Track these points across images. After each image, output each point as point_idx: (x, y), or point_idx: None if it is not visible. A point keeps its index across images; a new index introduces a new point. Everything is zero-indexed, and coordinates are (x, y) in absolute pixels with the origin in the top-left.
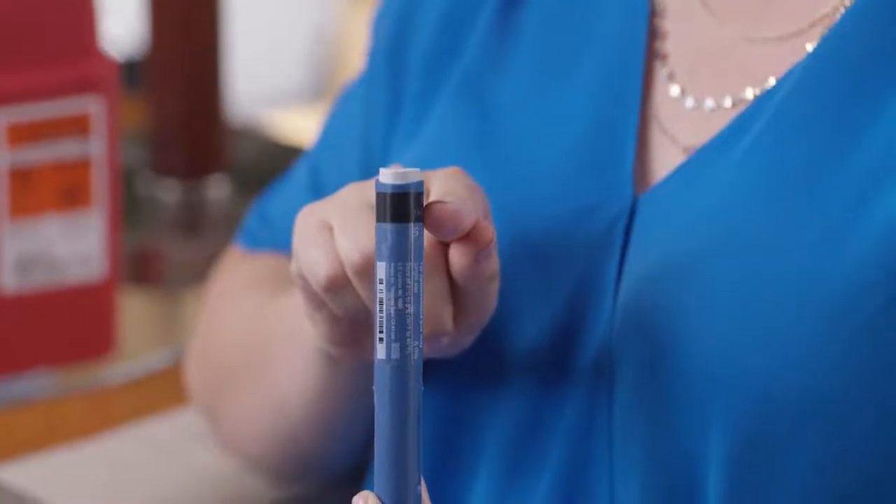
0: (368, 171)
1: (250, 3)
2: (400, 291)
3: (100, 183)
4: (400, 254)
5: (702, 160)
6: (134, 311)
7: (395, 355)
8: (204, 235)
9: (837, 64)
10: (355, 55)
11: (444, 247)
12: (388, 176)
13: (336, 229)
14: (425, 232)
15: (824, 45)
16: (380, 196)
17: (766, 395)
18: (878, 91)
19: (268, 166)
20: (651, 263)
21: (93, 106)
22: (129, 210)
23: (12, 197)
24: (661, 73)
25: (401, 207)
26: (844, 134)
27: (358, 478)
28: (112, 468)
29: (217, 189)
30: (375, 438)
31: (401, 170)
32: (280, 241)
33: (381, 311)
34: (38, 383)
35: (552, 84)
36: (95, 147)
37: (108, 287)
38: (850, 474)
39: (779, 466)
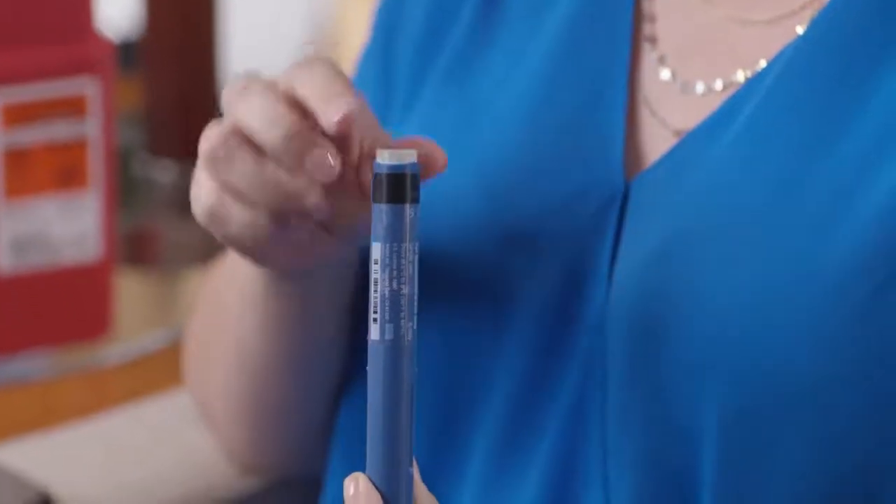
0: None
1: None
2: (395, 272)
3: (96, 164)
4: (396, 235)
5: (693, 143)
6: (130, 291)
7: (388, 336)
8: None
9: (827, 46)
10: (352, 39)
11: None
12: (385, 156)
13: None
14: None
15: (814, 27)
16: (377, 177)
17: (758, 378)
18: (869, 73)
19: None
20: (644, 247)
21: (89, 87)
22: (124, 191)
23: (8, 178)
24: (650, 56)
25: (397, 188)
26: (835, 116)
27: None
28: (108, 449)
29: None
30: (368, 419)
31: (397, 151)
32: None
33: (375, 291)
34: (34, 364)
35: (538, 69)
36: (91, 128)
37: (104, 268)
38: (842, 453)
39: (772, 445)
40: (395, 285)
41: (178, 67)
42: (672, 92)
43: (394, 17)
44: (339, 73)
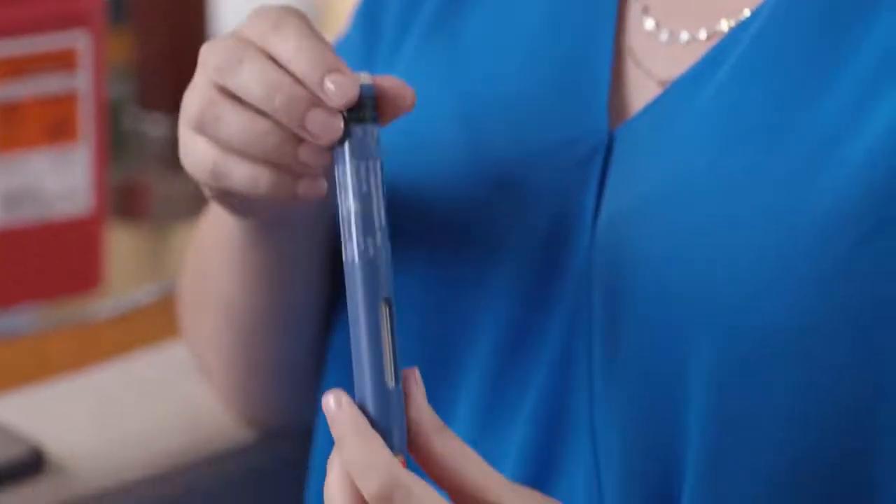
0: None
1: None
2: (360, 191)
3: (86, 117)
4: (358, 153)
5: (677, 93)
6: (120, 245)
7: (360, 254)
8: None
9: None
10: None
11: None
12: None
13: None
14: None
15: None
16: None
17: (744, 328)
18: (852, 21)
19: None
20: (629, 197)
21: (79, 40)
22: (115, 144)
23: None
24: (634, 6)
25: (361, 107)
26: (819, 65)
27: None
28: (99, 402)
29: None
30: (351, 342)
31: (356, 74)
32: None
33: (343, 210)
34: (25, 318)
35: (522, 20)
36: (82, 81)
37: (95, 221)
38: (828, 403)
39: (758, 395)
40: (361, 203)
41: (168, 20)
42: (656, 42)
43: None
44: (311, 33)
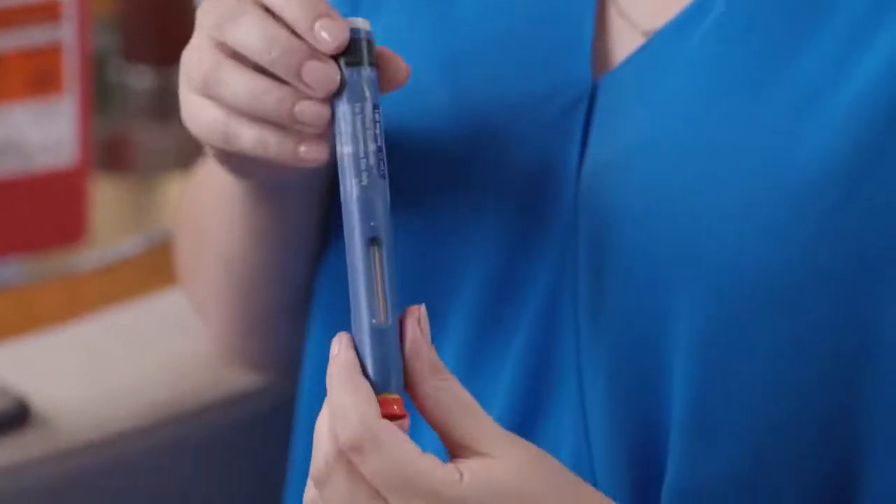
0: None
1: None
2: (358, 130)
3: (71, 69)
4: (355, 95)
5: (661, 43)
6: (105, 197)
7: (353, 193)
8: (175, 122)
9: None
10: None
11: None
12: None
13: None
14: None
15: None
16: None
17: (726, 283)
18: None
19: None
20: (612, 149)
21: None
22: (100, 97)
23: None
24: None
25: (354, 52)
26: (805, 17)
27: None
28: (84, 354)
29: None
30: (349, 280)
31: (352, 19)
32: None
33: (341, 149)
34: (10, 270)
35: None
36: (66, 33)
37: (79, 173)
38: (812, 359)
39: (742, 350)
40: (353, 145)
41: None
42: None
43: None
44: None
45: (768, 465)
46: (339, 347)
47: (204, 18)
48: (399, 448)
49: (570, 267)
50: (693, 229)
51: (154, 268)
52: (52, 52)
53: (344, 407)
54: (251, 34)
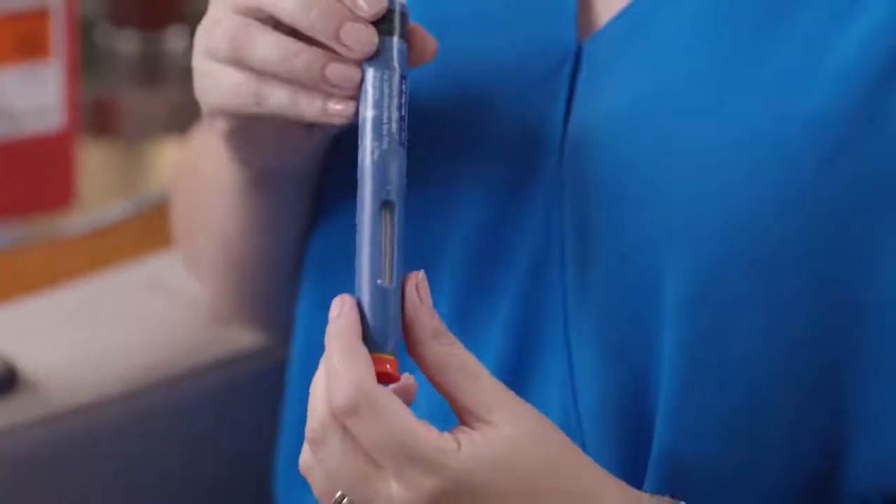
0: None
1: None
2: (381, 96)
3: (58, 34)
4: (382, 63)
5: (647, 3)
6: (93, 161)
7: (370, 157)
8: (163, 86)
9: None
10: None
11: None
12: None
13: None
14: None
15: None
16: None
17: (716, 244)
18: None
19: None
20: (598, 112)
21: None
22: (87, 61)
23: None
24: None
25: (386, 21)
26: None
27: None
28: (72, 319)
29: (175, 40)
30: (355, 247)
31: None
32: None
33: (365, 112)
34: None
35: None
36: None
37: (66, 138)
38: (801, 318)
39: (732, 312)
40: (376, 110)
41: None
42: None
43: None
44: None
45: (758, 424)
46: (341, 310)
47: None
48: (395, 414)
49: (557, 228)
50: (684, 190)
51: (141, 232)
52: (38, 17)
53: (340, 371)
54: None
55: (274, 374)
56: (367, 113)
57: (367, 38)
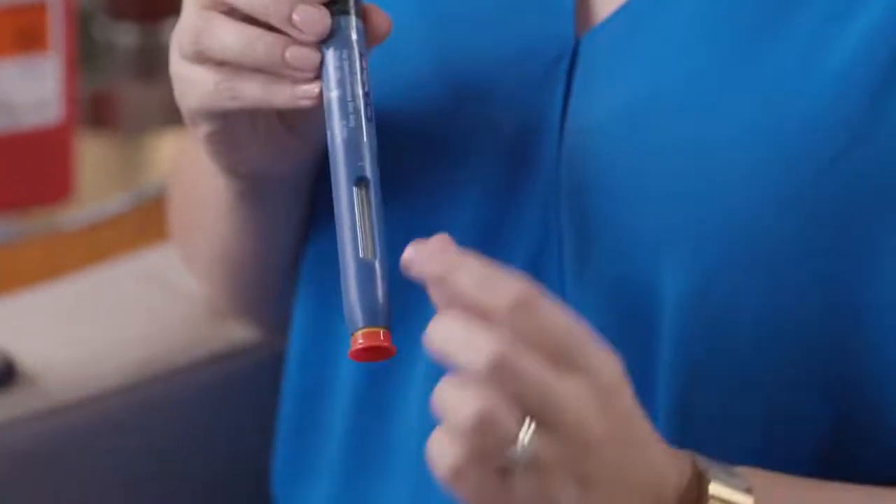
0: None
1: None
2: (343, 75)
3: (56, 27)
4: (340, 42)
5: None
6: (91, 155)
7: (338, 136)
8: (161, 79)
9: None
10: None
11: None
12: None
13: None
14: None
15: None
16: None
17: (715, 240)
18: None
19: None
20: (596, 109)
21: None
22: (85, 54)
23: None
24: None
25: (343, 1)
26: None
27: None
28: (70, 313)
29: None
30: (336, 226)
31: None
32: None
33: (328, 93)
34: None
35: None
36: None
37: (64, 131)
38: (797, 321)
39: (731, 314)
40: (339, 90)
41: None
42: None
43: None
44: None
45: (758, 423)
46: (436, 243)
47: None
48: (558, 307)
49: (554, 225)
50: (682, 189)
51: (140, 225)
52: (36, 10)
53: (489, 275)
54: None
55: (272, 368)
56: (332, 94)
57: (319, 19)
